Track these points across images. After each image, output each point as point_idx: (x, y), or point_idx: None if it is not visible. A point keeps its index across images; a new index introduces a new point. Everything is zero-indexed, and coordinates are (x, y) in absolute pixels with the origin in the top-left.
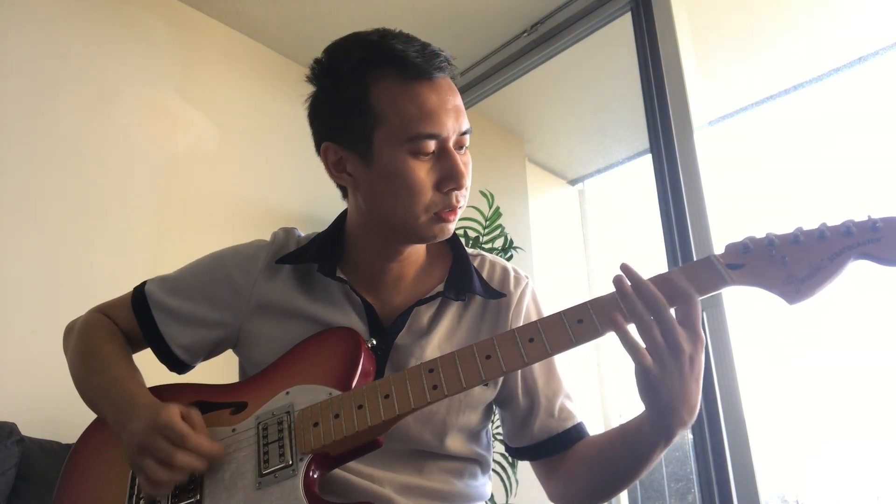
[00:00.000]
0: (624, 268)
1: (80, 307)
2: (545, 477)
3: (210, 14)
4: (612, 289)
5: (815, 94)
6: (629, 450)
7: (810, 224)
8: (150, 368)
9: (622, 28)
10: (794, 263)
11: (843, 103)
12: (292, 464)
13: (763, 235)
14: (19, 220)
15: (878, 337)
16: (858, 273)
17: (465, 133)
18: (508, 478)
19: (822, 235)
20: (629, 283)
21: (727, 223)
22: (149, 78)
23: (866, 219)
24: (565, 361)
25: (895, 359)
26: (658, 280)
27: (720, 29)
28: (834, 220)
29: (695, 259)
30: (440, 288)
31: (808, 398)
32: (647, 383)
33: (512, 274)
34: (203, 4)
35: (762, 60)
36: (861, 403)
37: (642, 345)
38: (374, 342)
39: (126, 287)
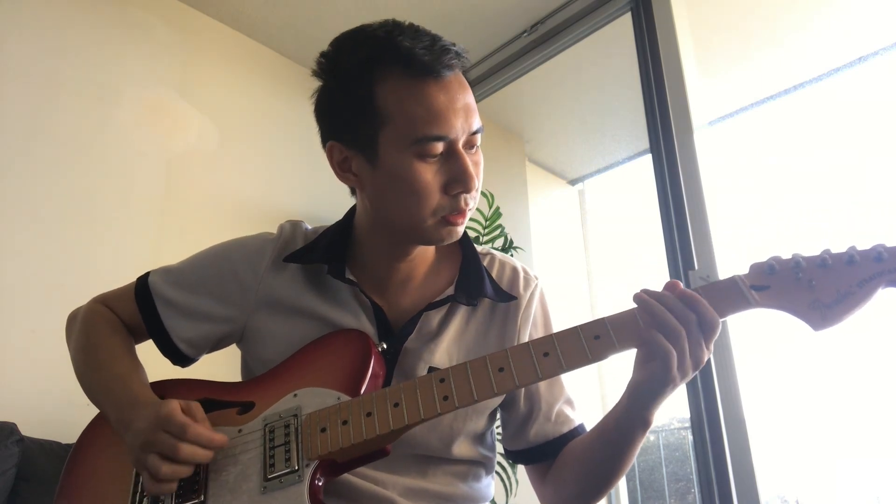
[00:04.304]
0: (645, 292)
1: None
2: (539, 482)
3: (210, 14)
4: (612, 289)
5: (815, 94)
6: (611, 447)
7: (835, 244)
8: (153, 360)
9: (622, 28)
10: (821, 288)
11: (843, 103)
12: (298, 469)
13: (789, 257)
14: (20, 219)
15: (878, 336)
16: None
17: (475, 132)
18: (509, 478)
19: (852, 260)
20: (658, 300)
21: (727, 223)
22: (149, 78)
23: None
24: None
25: (895, 359)
26: (686, 297)
27: (720, 29)
28: (862, 244)
29: (695, 258)
30: (450, 291)
31: (809, 398)
32: (663, 389)
33: (522, 275)
34: (203, 4)
35: (762, 60)
36: (861, 404)
37: (671, 353)
38: (385, 346)
39: None
